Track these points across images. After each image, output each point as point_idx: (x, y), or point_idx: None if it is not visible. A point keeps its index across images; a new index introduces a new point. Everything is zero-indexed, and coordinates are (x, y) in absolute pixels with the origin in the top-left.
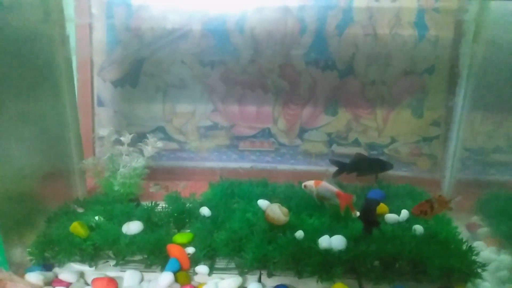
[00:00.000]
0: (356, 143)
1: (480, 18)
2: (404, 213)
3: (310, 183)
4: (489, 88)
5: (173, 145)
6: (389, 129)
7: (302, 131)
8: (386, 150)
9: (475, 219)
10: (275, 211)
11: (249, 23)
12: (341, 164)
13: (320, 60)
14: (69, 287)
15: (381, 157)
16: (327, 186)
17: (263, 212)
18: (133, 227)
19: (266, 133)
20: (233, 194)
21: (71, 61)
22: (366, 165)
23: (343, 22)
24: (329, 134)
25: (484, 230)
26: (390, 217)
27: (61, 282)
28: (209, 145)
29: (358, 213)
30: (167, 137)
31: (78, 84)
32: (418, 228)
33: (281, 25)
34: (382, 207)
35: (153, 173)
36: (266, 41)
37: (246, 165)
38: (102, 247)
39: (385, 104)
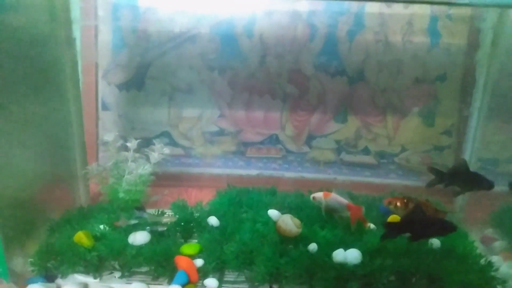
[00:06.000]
0: (366, 151)
1: (498, 27)
2: None
3: (319, 195)
4: (506, 97)
5: (179, 151)
6: (400, 137)
7: (310, 138)
8: (396, 159)
9: (489, 232)
10: (288, 222)
11: (258, 28)
12: (440, 173)
13: (330, 66)
14: None
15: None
16: (337, 198)
17: (274, 222)
18: (139, 238)
19: (273, 140)
20: (241, 202)
21: (77, 64)
22: (466, 178)
23: (354, 28)
24: (338, 142)
25: (499, 243)
26: None
27: None
28: (215, 151)
29: (371, 225)
30: (173, 143)
31: (83, 87)
32: (435, 242)
33: (291, 30)
34: (397, 218)
35: (157, 179)
36: (275, 46)
37: (253, 172)
38: (107, 258)
39: (395, 112)
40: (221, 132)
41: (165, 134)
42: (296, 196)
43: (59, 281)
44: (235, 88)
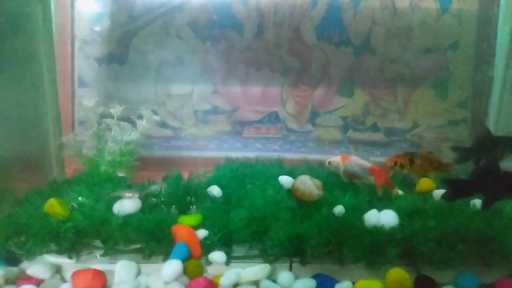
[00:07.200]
0: (375, 128)
1: None
2: None
3: (336, 159)
4: None
5: (167, 132)
6: (411, 112)
7: (314, 115)
8: (408, 136)
9: None
10: (307, 183)
11: None
12: (466, 149)
13: (334, 35)
14: (41, 285)
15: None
16: (358, 161)
17: (287, 190)
18: (127, 206)
19: (273, 118)
20: (243, 175)
21: (51, 27)
22: (494, 145)
23: None
24: (344, 118)
25: None
26: (439, 193)
27: (29, 278)
28: (208, 132)
29: (399, 191)
30: (160, 123)
31: (57, 61)
32: (478, 203)
33: None
34: (428, 183)
35: (144, 164)
36: (273, 13)
37: (251, 154)
38: (86, 231)
39: (406, 84)
40: (214, 111)
41: None
42: (307, 167)
43: (24, 265)
44: (229, 61)
